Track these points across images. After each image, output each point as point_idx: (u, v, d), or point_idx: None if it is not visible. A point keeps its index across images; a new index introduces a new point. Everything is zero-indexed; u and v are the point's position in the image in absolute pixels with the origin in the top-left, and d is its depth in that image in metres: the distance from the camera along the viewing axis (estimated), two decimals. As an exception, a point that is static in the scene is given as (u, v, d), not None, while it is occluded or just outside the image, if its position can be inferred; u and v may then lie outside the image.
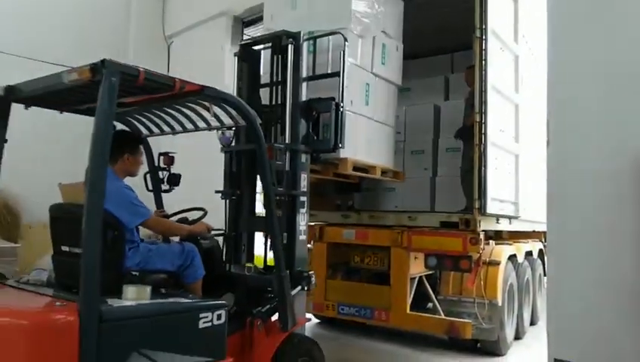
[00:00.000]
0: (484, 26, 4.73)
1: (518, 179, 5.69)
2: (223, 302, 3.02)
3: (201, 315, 2.83)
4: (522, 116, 5.78)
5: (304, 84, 3.97)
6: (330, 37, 4.14)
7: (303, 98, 3.93)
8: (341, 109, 3.90)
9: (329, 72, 4.14)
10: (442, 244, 4.90)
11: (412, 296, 5.26)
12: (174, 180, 3.81)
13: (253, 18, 8.09)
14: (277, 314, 3.35)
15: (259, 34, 8.12)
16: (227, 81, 7.44)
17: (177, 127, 3.59)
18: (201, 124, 3.48)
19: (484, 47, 4.75)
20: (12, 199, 7.13)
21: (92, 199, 2.42)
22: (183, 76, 8.11)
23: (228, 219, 3.96)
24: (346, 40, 4.00)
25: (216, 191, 3.97)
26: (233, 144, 3.98)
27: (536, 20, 5.89)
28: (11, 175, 6.89)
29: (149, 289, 2.72)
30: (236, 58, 4.25)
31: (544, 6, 3.51)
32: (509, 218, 5.63)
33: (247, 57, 4.25)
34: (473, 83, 5.08)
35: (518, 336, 6.08)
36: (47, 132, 7.23)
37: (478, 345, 5.48)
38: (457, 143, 5.91)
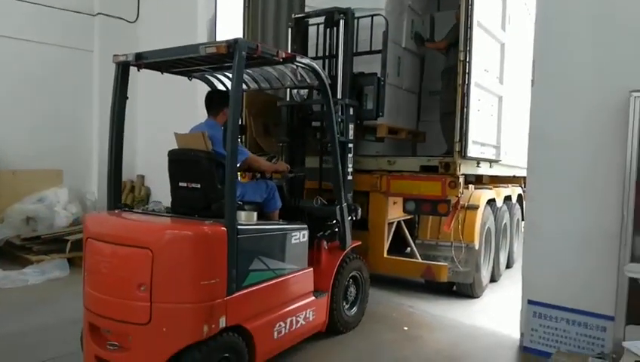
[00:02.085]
0: None
1: (500, 122, 5.66)
2: (305, 225, 3.90)
3: (293, 234, 3.76)
4: (508, 57, 5.67)
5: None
6: (371, 16, 4.85)
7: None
8: (382, 83, 4.72)
9: (370, 48, 4.90)
10: (421, 188, 4.89)
11: (389, 240, 5.37)
12: (240, 130, 4.55)
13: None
14: (336, 236, 4.26)
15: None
16: (200, 28, 7.86)
17: (252, 85, 4.38)
18: (276, 84, 4.29)
19: None
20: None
21: (232, 145, 3.18)
22: (154, 23, 8.32)
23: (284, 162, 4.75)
24: (387, 21, 4.74)
25: (276, 140, 4.77)
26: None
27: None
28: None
29: (255, 214, 3.58)
30: (290, 30, 4.99)
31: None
32: (490, 162, 5.63)
33: (299, 29, 4.97)
34: None
35: (493, 279, 6.23)
36: (17, 74, 7.35)
37: (454, 287, 5.63)
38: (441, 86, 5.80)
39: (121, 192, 8.38)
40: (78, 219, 7.48)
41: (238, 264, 3.18)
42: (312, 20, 5.01)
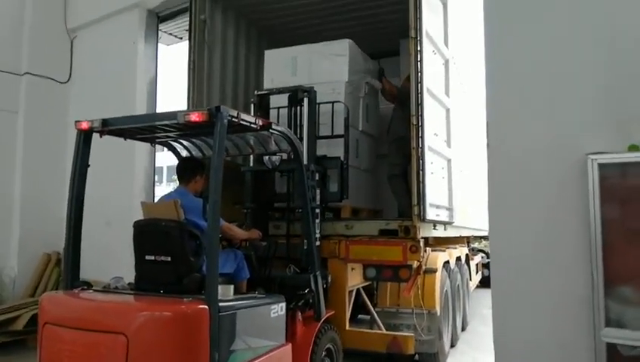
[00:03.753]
0: (418, 26, 4.59)
1: (451, 185, 5.66)
2: (283, 297, 3.71)
3: (272, 307, 3.56)
4: (452, 120, 5.79)
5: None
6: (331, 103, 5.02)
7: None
8: (345, 166, 4.81)
9: (332, 132, 5.06)
10: (381, 254, 4.68)
11: (350, 310, 5.05)
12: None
13: (169, 13, 7.78)
14: (310, 306, 4.02)
15: (176, 30, 8.58)
16: (140, 81, 7.50)
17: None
18: (245, 150, 4.20)
19: (419, 48, 4.62)
20: None
21: (214, 217, 3.03)
22: (90, 74, 7.94)
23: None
24: (347, 108, 4.91)
25: (237, 204, 4.63)
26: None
27: (461, 26, 6.30)
28: None
29: (232, 288, 3.36)
30: (253, 105, 5.02)
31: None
32: (444, 224, 5.48)
33: (261, 105, 5.03)
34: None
35: (452, 344, 6.01)
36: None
37: (416, 356, 5.31)
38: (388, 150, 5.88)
39: (46, 266, 7.92)
40: (-5, 299, 6.70)
41: (221, 345, 2.91)
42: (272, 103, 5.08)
